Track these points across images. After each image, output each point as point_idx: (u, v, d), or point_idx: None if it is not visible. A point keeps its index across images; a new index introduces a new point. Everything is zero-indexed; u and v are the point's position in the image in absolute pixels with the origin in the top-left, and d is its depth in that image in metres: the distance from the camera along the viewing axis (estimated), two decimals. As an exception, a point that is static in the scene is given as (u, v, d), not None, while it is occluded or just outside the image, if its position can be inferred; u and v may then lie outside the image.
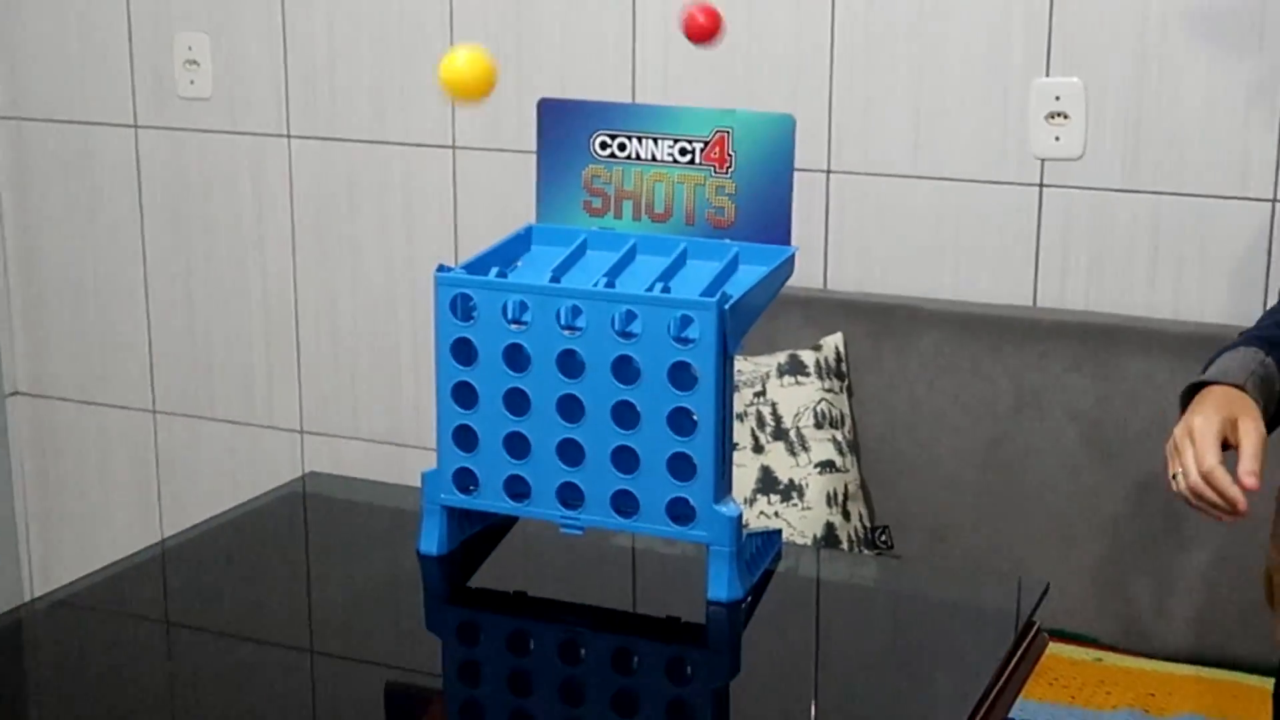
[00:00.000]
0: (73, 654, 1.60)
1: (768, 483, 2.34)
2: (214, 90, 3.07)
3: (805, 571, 1.80)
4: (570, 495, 1.62)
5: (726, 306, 1.53)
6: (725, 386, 1.57)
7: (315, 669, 1.58)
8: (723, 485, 1.58)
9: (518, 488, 1.64)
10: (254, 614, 1.69)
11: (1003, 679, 1.50)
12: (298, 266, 3.08)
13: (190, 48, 3.07)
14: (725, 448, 1.58)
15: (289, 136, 3.03)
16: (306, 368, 3.11)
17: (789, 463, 2.36)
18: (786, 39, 2.62)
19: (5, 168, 3.30)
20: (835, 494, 2.34)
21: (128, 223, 3.22)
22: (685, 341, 1.55)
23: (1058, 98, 2.46)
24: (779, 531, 1.73)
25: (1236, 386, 1.69)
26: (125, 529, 3.33)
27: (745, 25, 2.63)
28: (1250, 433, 1.62)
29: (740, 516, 1.57)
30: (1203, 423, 1.64)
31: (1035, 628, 1.58)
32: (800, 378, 2.41)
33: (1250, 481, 1.57)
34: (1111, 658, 2.32)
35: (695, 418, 1.56)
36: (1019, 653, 1.54)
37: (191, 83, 3.08)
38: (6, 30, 3.23)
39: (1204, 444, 1.61)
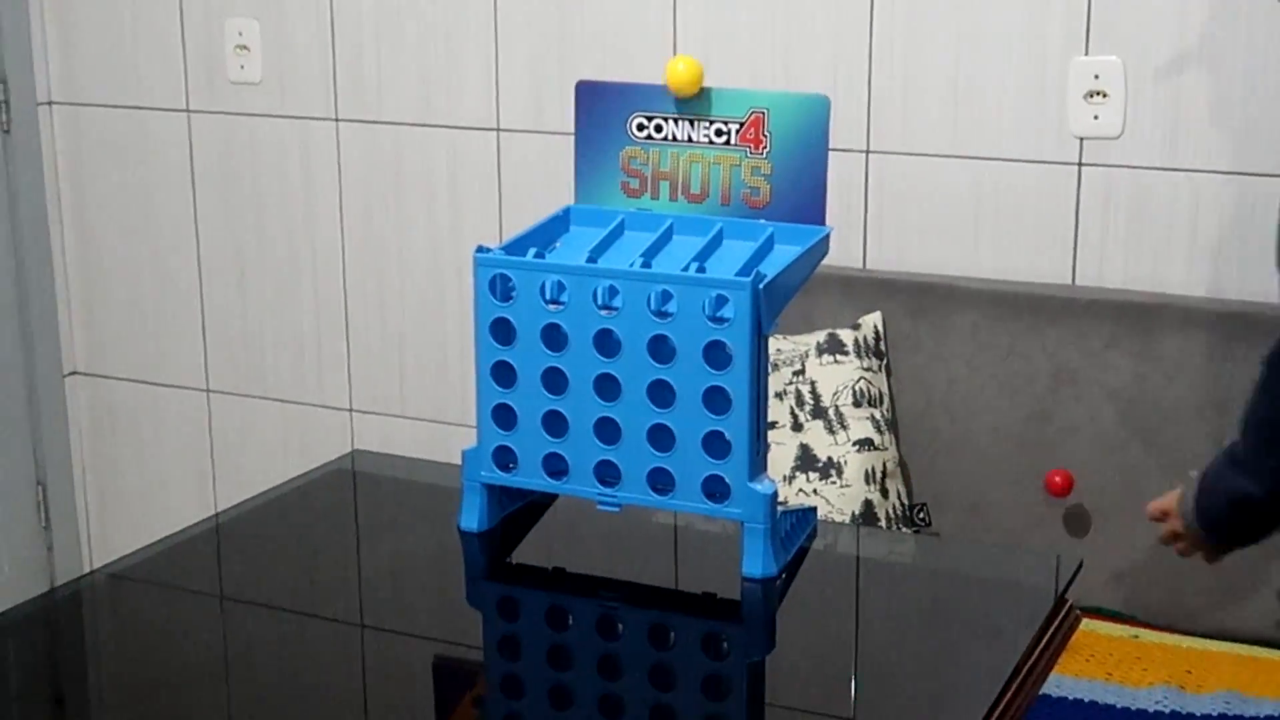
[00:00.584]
0: (129, 625, 1.63)
1: (807, 460, 2.34)
2: (264, 75, 3.09)
3: (841, 548, 1.79)
4: (607, 473, 1.62)
5: (761, 286, 1.53)
6: (760, 365, 1.57)
7: (363, 642, 1.59)
8: (757, 463, 1.58)
9: (556, 465, 1.65)
10: (303, 588, 1.70)
11: (1035, 654, 1.49)
12: (346, 248, 3.09)
13: (240, 33, 3.08)
14: (760, 426, 1.58)
15: (337, 120, 3.04)
16: (355, 347, 3.13)
17: (828, 441, 2.35)
18: (825, 20, 2.61)
19: (63, 152, 3.33)
20: (873, 471, 2.34)
21: (181, 206, 3.24)
22: (720, 321, 1.55)
23: (1097, 76, 2.44)
24: (814, 509, 1.73)
25: None
26: (180, 504, 3.35)
27: (785, 7, 2.62)
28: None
29: (775, 494, 1.57)
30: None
31: (1069, 604, 1.58)
32: (839, 356, 2.41)
33: None
34: (1148, 634, 2.30)
35: (730, 396, 1.56)
36: (1052, 629, 1.54)
37: (242, 68, 3.10)
38: (61, 17, 3.26)
39: None
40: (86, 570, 3.47)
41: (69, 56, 3.28)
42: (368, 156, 3.03)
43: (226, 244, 3.22)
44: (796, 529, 1.66)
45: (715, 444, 1.57)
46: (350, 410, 3.16)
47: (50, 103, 3.32)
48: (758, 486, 1.57)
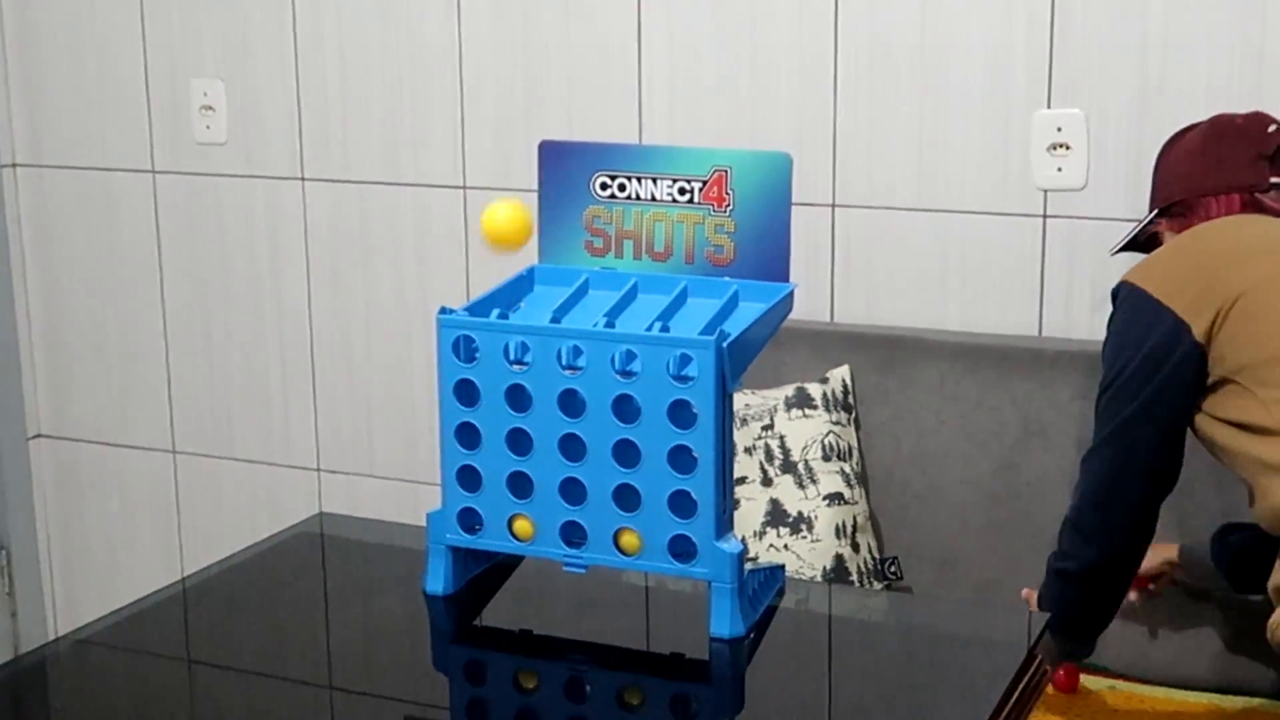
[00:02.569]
0: (97, 693, 1.60)
1: (777, 515, 2.33)
2: (229, 135, 3.09)
3: (811, 606, 1.78)
4: (573, 534, 1.61)
5: (725, 344, 1.53)
6: (725, 423, 1.56)
7: (332, 705, 1.57)
8: (724, 522, 1.57)
9: (519, 528, 1.64)
10: (270, 651, 1.68)
11: (1006, 709, 1.49)
12: (313, 307, 3.08)
13: (205, 93, 3.09)
14: (726, 484, 1.57)
15: (303, 179, 3.04)
16: (323, 407, 3.12)
17: (798, 495, 2.35)
18: (790, 75, 2.62)
19: (27, 214, 3.32)
20: (844, 526, 2.33)
21: (147, 267, 3.23)
22: (684, 379, 1.54)
23: (1059, 129, 2.46)
24: (782, 566, 1.71)
25: None
26: (147, 567, 3.33)
27: (750, 64, 2.63)
28: None
29: (742, 553, 1.56)
30: None
31: (1038, 659, 1.57)
32: (808, 410, 2.41)
33: None
34: (1124, 685, 2.30)
35: (695, 455, 1.55)
36: (1023, 683, 1.53)
37: (207, 128, 3.10)
38: (25, 78, 3.25)
39: None
40: (52, 637, 3.44)
41: (33, 118, 3.28)
42: (334, 215, 3.03)
43: (192, 305, 3.21)
44: (765, 587, 1.65)
45: (682, 503, 1.56)
46: (318, 470, 3.15)
47: (14, 165, 3.31)
48: (724, 545, 1.56)
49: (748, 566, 1.59)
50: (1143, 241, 2.23)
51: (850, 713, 1.54)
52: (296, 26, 2.98)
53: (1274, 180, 2.10)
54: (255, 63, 3.03)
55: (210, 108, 3.09)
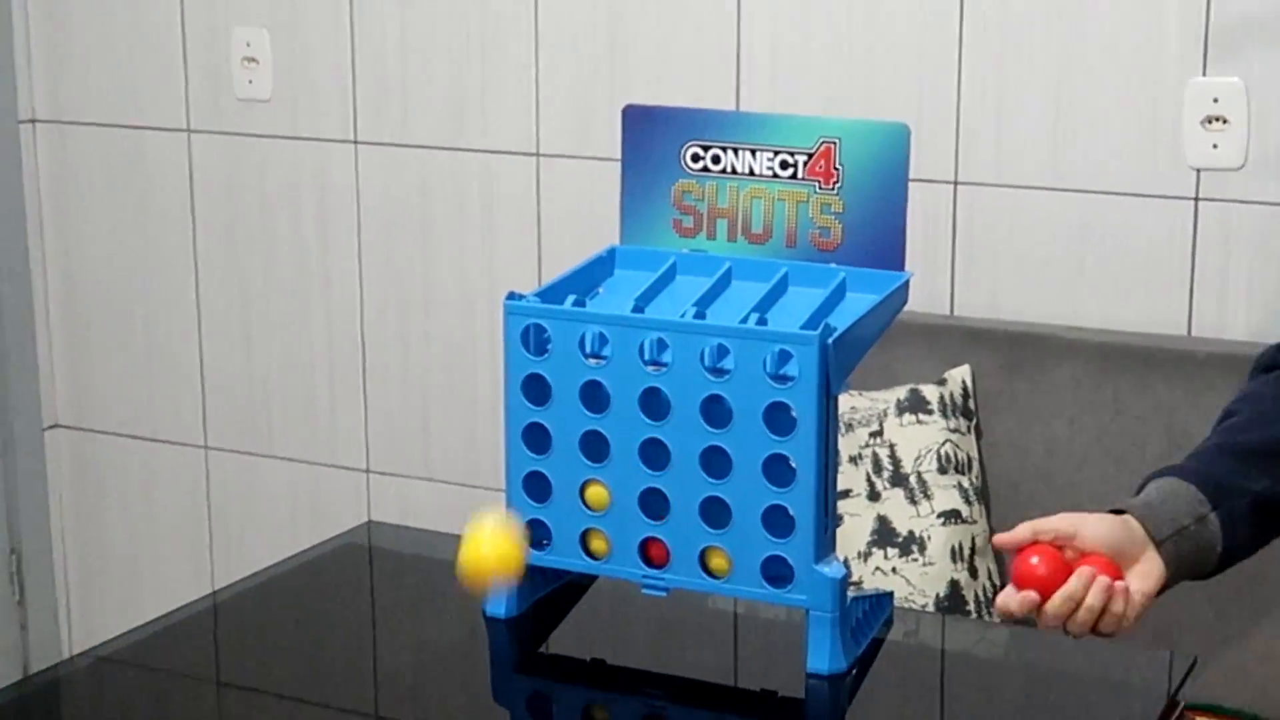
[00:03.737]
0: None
1: (884, 535, 2.32)
2: (274, 91, 3.10)
3: (922, 639, 1.78)
4: (654, 552, 1.62)
5: (830, 340, 1.52)
6: (828, 430, 1.56)
7: None
8: (825, 542, 1.57)
9: (593, 545, 1.65)
10: (311, 677, 1.70)
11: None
12: (365, 288, 3.10)
13: (249, 44, 3.10)
14: (828, 499, 1.57)
15: (356, 142, 3.05)
16: (374, 401, 3.13)
17: (909, 512, 2.33)
18: (909, 35, 2.61)
19: (46, 176, 3.35)
20: (961, 547, 2.32)
21: (179, 238, 3.26)
22: (783, 380, 1.54)
23: (1216, 100, 2.42)
24: (890, 594, 1.71)
25: (1154, 541, 1.62)
26: (174, 573, 3.36)
27: (863, 22, 2.62)
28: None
29: (845, 578, 1.56)
30: None
31: (1180, 707, 1.56)
32: (922, 416, 2.39)
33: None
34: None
35: (794, 465, 1.55)
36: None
37: (250, 82, 3.12)
38: (47, 28, 3.28)
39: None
40: (66, 654, 3.47)
41: (55, 69, 3.31)
42: (390, 184, 3.04)
43: (230, 282, 3.23)
44: (870, 617, 1.64)
45: (777, 520, 1.56)
46: (367, 471, 3.16)
47: (33, 120, 3.34)
48: (825, 569, 1.55)
49: (851, 593, 1.59)
50: None
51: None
52: (351, -28, 3.00)
53: None
54: (305, 11, 3.05)
55: (253, 60, 3.11)
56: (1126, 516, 1.62)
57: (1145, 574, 1.59)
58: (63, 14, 3.25)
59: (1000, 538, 1.67)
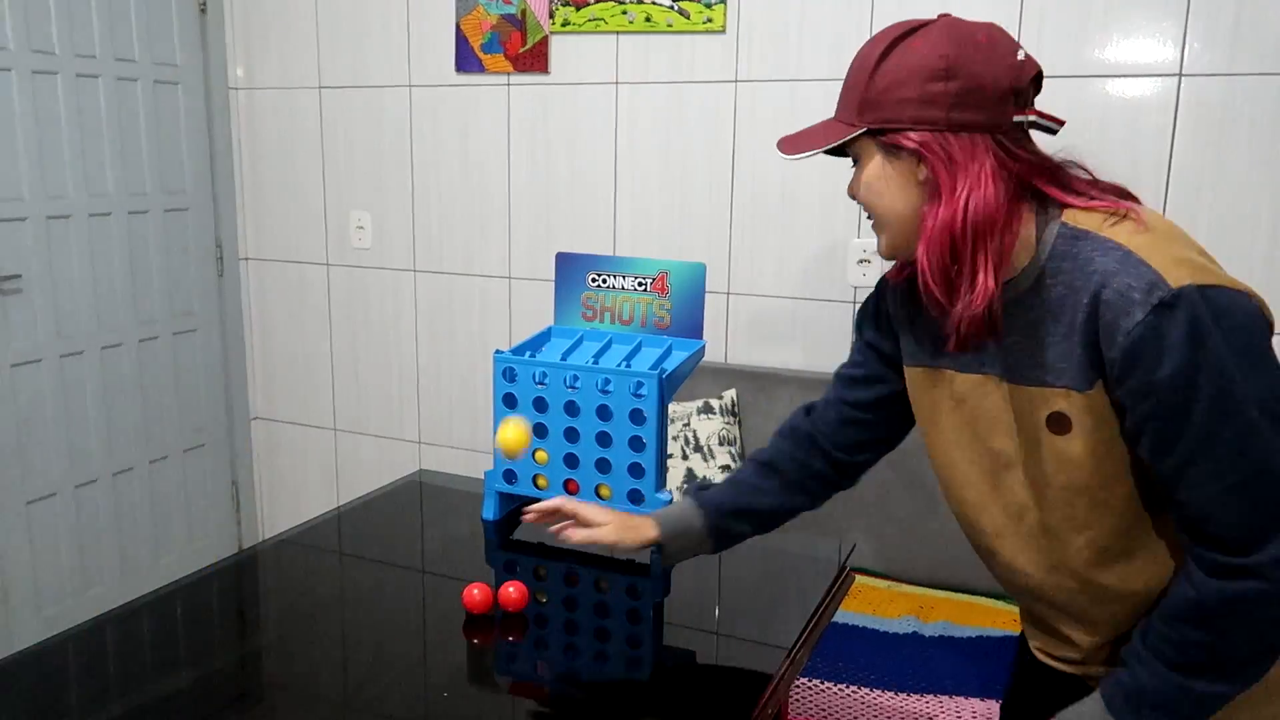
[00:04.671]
0: (289, 576, 1.57)
1: (690, 477, 2.32)
2: (372, 243, 3.05)
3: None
4: (570, 486, 1.60)
5: (663, 377, 1.52)
6: (662, 423, 1.55)
7: (424, 582, 1.54)
8: (661, 480, 1.56)
9: (539, 482, 1.62)
10: (391, 549, 1.65)
11: (826, 600, 1.47)
12: (419, 349, 3.05)
13: (359, 219, 3.05)
14: (662, 459, 1.56)
15: (415, 271, 3.01)
16: (424, 404, 3.08)
17: (703, 466, 2.33)
18: (703, 210, 2.62)
19: (253, 291, 3.27)
20: (732, 483, 2.33)
21: (321, 324, 3.19)
22: (639, 395, 1.54)
23: (864, 250, 2.46)
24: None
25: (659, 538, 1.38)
26: (316, 500, 3.29)
27: (680, 205, 2.63)
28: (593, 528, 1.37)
29: (671, 499, 1.55)
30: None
31: (847, 570, 1.56)
32: (710, 415, 2.39)
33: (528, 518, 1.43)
34: (897, 585, 2.28)
35: (645, 441, 1.54)
36: (837, 585, 1.52)
37: (360, 239, 3.07)
38: (255, 204, 3.22)
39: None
40: (261, 538, 3.39)
41: (259, 229, 3.23)
42: (433, 291, 3.00)
43: (347, 342, 3.17)
44: (684, 520, 1.64)
45: (636, 469, 1.55)
46: (419, 442, 3.11)
47: (247, 258, 3.26)
48: (661, 495, 1.55)
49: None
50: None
51: (730, 594, 1.53)
52: (414, 179, 2.95)
53: (1016, 119, 1.04)
54: (389, 202, 3.00)
55: (362, 227, 3.06)
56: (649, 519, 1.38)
57: (636, 530, 1.37)
58: (262, 199, 3.19)
59: (530, 511, 1.43)
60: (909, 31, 1.05)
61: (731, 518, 1.37)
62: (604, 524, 1.37)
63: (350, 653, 1.29)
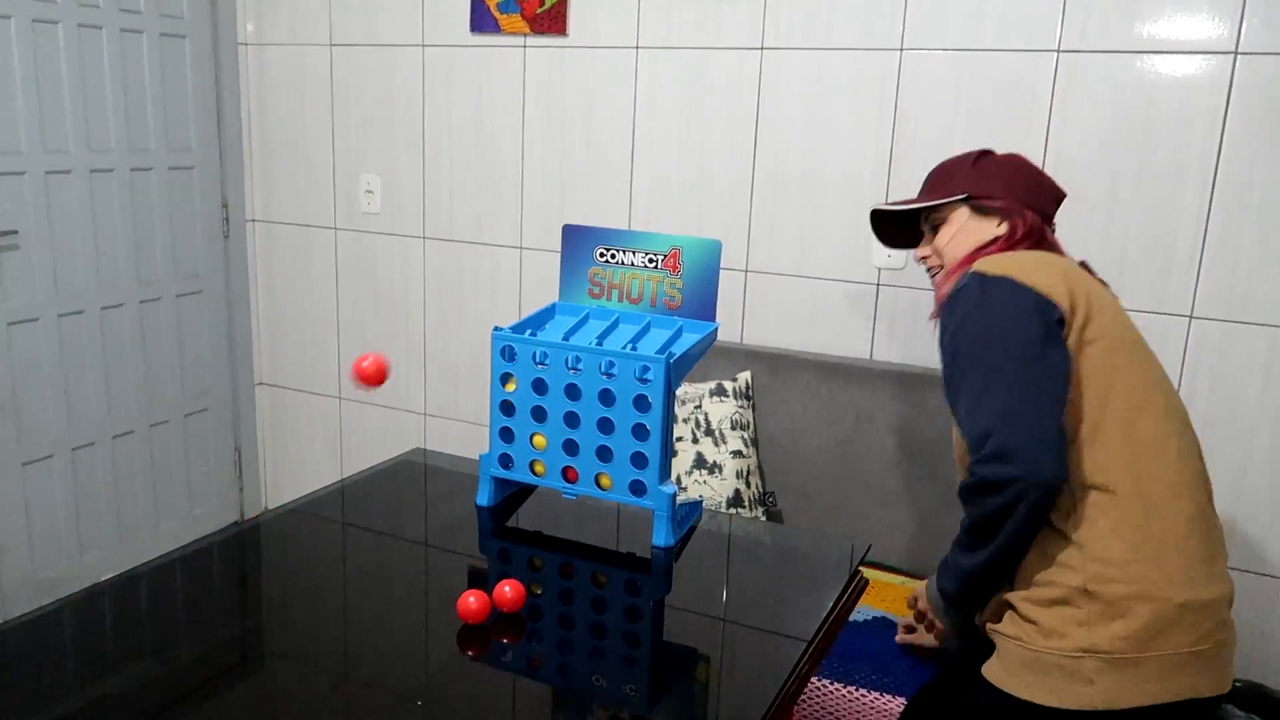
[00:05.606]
0: (292, 547, 1.49)
1: (700, 462, 2.21)
2: (381, 208, 2.95)
3: (716, 528, 1.66)
4: (570, 475, 1.49)
5: (670, 361, 1.41)
6: (668, 410, 1.44)
7: (428, 558, 1.45)
8: (665, 472, 1.45)
9: (537, 468, 1.52)
10: (392, 524, 1.56)
11: (834, 612, 1.37)
12: (427, 319, 2.95)
13: (369, 183, 2.95)
14: (667, 449, 1.45)
15: (424, 238, 2.90)
16: (430, 375, 2.99)
17: (714, 451, 2.22)
18: (724, 188, 2.49)
19: (260, 252, 3.18)
20: (742, 471, 2.21)
21: (328, 288, 3.09)
22: (645, 381, 1.42)
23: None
24: (700, 500, 1.60)
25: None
26: (321, 470, 3.21)
27: (699, 179, 2.51)
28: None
29: (675, 493, 1.44)
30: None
31: (859, 575, 1.45)
32: (723, 398, 2.28)
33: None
34: (912, 582, 2.17)
35: (649, 429, 1.43)
36: (848, 591, 1.41)
37: (369, 204, 2.96)
38: (264, 167, 3.11)
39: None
40: (264, 507, 3.32)
41: (266, 190, 3.13)
42: (442, 260, 2.89)
43: (355, 310, 3.07)
44: (689, 514, 1.53)
45: (639, 459, 1.44)
46: (425, 414, 3.01)
47: (254, 220, 3.17)
48: (664, 488, 1.44)
49: (678, 500, 1.47)
50: (913, 214, 1.72)
51: (736, 594, 1.43)
52: (425, 144, 2.84)
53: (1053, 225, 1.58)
54: (400, 166, 2.89)
55: (371, 191, 2.95)
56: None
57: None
58: (271, 162, 3.08)
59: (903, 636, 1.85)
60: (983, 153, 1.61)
61: None
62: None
63: (351, 631, 1.20)
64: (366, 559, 1.43)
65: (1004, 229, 1.52)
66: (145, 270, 2.89)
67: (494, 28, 2.66)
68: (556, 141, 2.66)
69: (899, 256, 2.32)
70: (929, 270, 1.61)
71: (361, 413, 3.12)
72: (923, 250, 1.62)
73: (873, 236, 2.33)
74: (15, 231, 2.55)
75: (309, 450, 3.24)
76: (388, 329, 3.02)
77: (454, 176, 2.81)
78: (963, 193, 1.56)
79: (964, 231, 1.54)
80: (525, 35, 2.64)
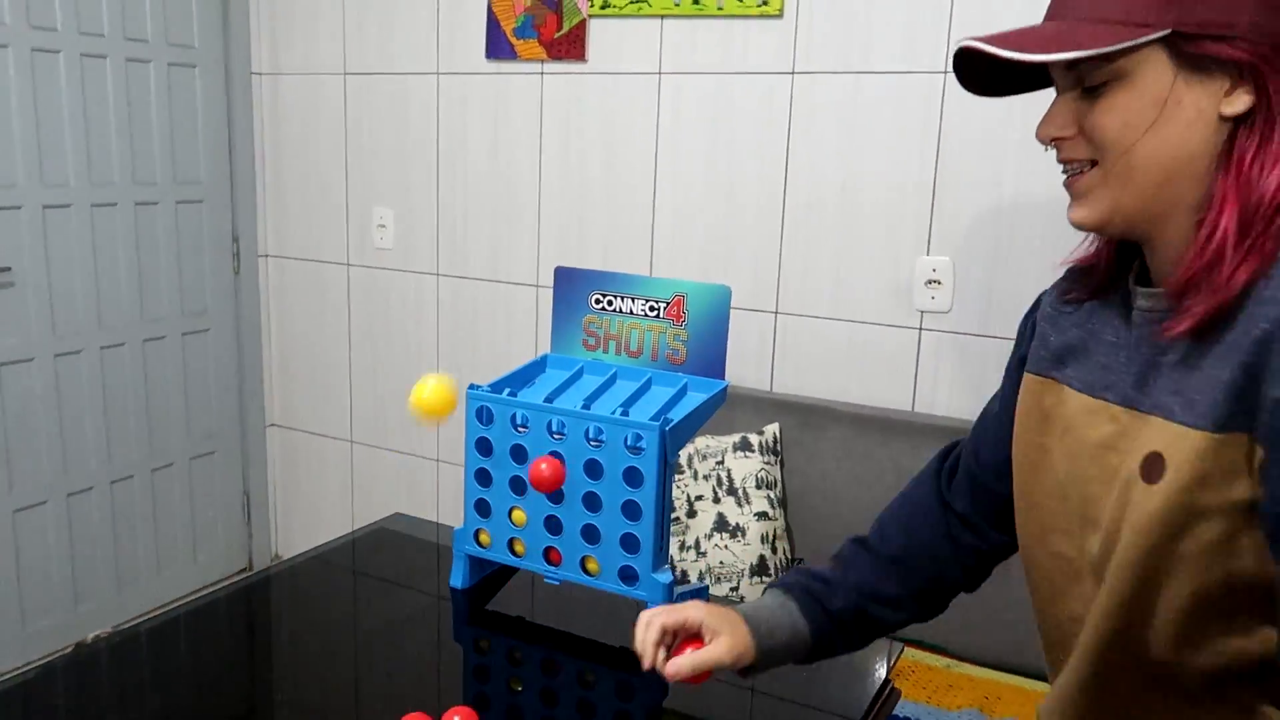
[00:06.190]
0: (301, 601, 1.35)
1: (721, 524, 1.99)
2: (394, 243, 2.79)
3: (738, 599, 1.44)
4: (553, 556, 1.29)
5: (667, 429, 1.20)
6: (664, 486, 1.23)
7: (381, 652, 1.26)
8: (660, 557, 1.24)
9: (516, 548, 1.32)
10: (339, 608, 1.38)
11: (883, 697, 1.15)
12: (440, 360, 2.78)
13: (381, 216, 2.79)
14: (664, 530, 1.25)
15: (438, 275, 2.74)
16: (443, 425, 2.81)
17: (737, 511, 2.00)
18: (751, 219, 2.29)
19: (273, 289, 3.05)
20: (767, 535, 1.98)
21: (340, 326, 2.94)
22: (637, 451, 1.22)
23: (934, 270, 2.11)
24: (706, 587, 1.38)
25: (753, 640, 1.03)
26: (333, 517, 3.05)
27: (726, 215, 2.31)
28: (706, 651, 1.00)
29: (672, 582, 1.23)
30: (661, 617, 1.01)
31: (890, 685, 1.22)
32: (748, 453, 2.06)
33: (669, 672, 0.99)
34: (959, 665, 1.92)
35: (641, 508, 1.22)
36: (879, 702, 1.19)
37: (381, 238, 2.81)
38: (277, 200, 2.98)
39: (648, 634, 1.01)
40: (275, 554, 3.17)
41: (279, 225, 3.00)
42: (456, 297, 2.72)
43: (367, 350, 2.91)
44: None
45: (630, 542, 1.24)
46: (437, 460, 2.84)
47: (266, 255, 3.03)
48: (659, 576, 1.23)
49: (677, 589, 1.26)
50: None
51: (757, 696, 1.21)
52: (439, 176, 2.68)
53: None
54: (414, 199, 2.74)
55: (384, 225, 2.80)
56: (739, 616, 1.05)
57: (730, 647, 1.00)
58: (282, 195, 2.95)
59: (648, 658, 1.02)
60: None
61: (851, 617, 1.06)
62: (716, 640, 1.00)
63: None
64: (362, 612, 1.29)
65: (1242, 102, 0.76)
66: (149, 308, 2.76)
67: (510, 54, 2.50)
68: (574, 173, 2.48)
69: (944, 298, 2.09)
70: (1067, 168, 0.84)
71: (374, 457, 2.95)
72: (1062, 126, 0.83)
73: (916, 275, 2.11)
74: (9, 269, 2.43)
75: (322, 496, 3.08)
76: (399, 369, 2.85)
77: (468, 209, 2.65)
78: (1161, 24, 0.76)
79: (1164, 112, 0.76)
80: (542, 61, 2.47)
